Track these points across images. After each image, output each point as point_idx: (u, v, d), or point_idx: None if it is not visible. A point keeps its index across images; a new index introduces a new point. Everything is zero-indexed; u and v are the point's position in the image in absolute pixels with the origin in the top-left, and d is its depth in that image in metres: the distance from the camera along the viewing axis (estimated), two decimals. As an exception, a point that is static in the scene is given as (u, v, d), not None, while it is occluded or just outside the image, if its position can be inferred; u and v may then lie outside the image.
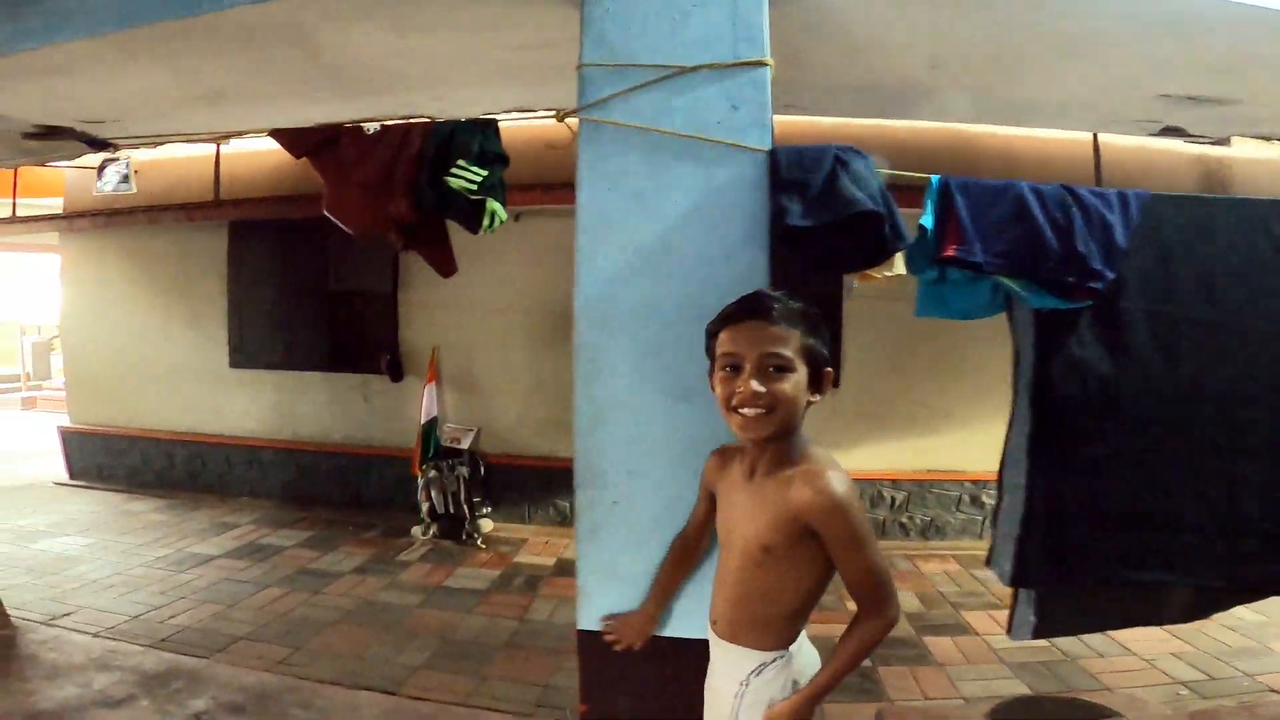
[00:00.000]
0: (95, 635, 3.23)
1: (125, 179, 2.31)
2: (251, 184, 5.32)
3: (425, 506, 4.79)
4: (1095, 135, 4.48)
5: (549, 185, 4.36)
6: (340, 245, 5.26)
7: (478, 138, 2.76)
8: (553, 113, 1.74)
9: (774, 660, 1.28)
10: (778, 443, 1.25)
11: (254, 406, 5.62)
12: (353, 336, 5.38)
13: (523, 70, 2.67)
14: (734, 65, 1.57)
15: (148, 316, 5.84)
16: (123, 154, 2.31)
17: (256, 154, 5.18)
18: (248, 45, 2.44)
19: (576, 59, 1.70)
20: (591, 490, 1.68)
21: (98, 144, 2.23)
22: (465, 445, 4.99)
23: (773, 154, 1.61)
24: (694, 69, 1.61)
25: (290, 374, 5.52)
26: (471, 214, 2.82)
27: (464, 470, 4.79)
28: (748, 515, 1.28)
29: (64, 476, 6.14)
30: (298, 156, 3.09)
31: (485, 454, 5.03)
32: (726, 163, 1.60)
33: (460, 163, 2.71)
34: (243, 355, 5.61)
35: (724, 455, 1.43)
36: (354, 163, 2.97)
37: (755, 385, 1.18)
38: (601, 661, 1.69)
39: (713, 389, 1.29)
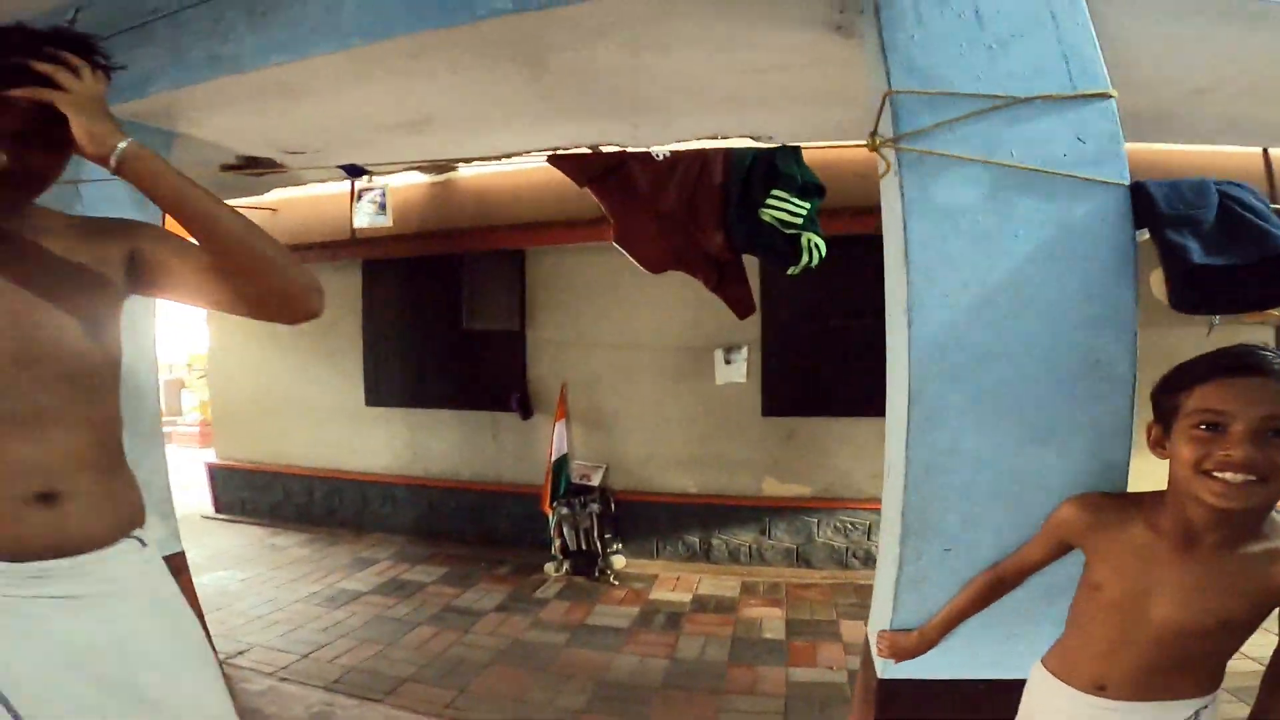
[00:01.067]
0: (270, 675, 3.30)
1: (382, 208, 2.27)
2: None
3: (557, 543, 4.79)
4: (1265, 150, 4.18)
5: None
6: (472, 283, 5.37)
7: (798, 167, 2.56)
8: (861, 143, 1.66)
9: (1211, 699, 1.23)
10: (1251, 514, 1.13)
11: (388, 443, 5.76)
12: (482, 374, 5.44)
13: (763, 93, 2.64)
14: (1074, 97, 1.48)
15: (288, 355, 6.08)
16: (377, 181, 2.27)
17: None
18: (476, 62, 2.43)
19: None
20: (921, 539, 1.62)
21: (354, 171, 2.25)
22: (596, 482, 4.97)
23: (1139, 188, 1.50)
24: (1027, 100, 1.52)
25: (422, 411, 5.63)
26: (786, 249, 2.60)
27: (596, 507, 4.77)
28: (1191, 588, 1.17)
29: (210, 510, 6.43)
30: (581, 185, 2.85)
31: (614, 490, 5.00)
32: (1080, 197, 1.51)
33: (779, 193, 2.52)
34: (377, 393, 5.77)
35: (1099, 509, 1.32)
36: (648, 192, 2.74)
37: (1251, 450, 1.06)
38: (904, 713, 1.64)
39: (1154, 445, 1.21)
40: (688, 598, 4.34)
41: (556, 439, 4.85)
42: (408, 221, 5.35)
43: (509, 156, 3.42)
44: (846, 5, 1.92)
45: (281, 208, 5.71)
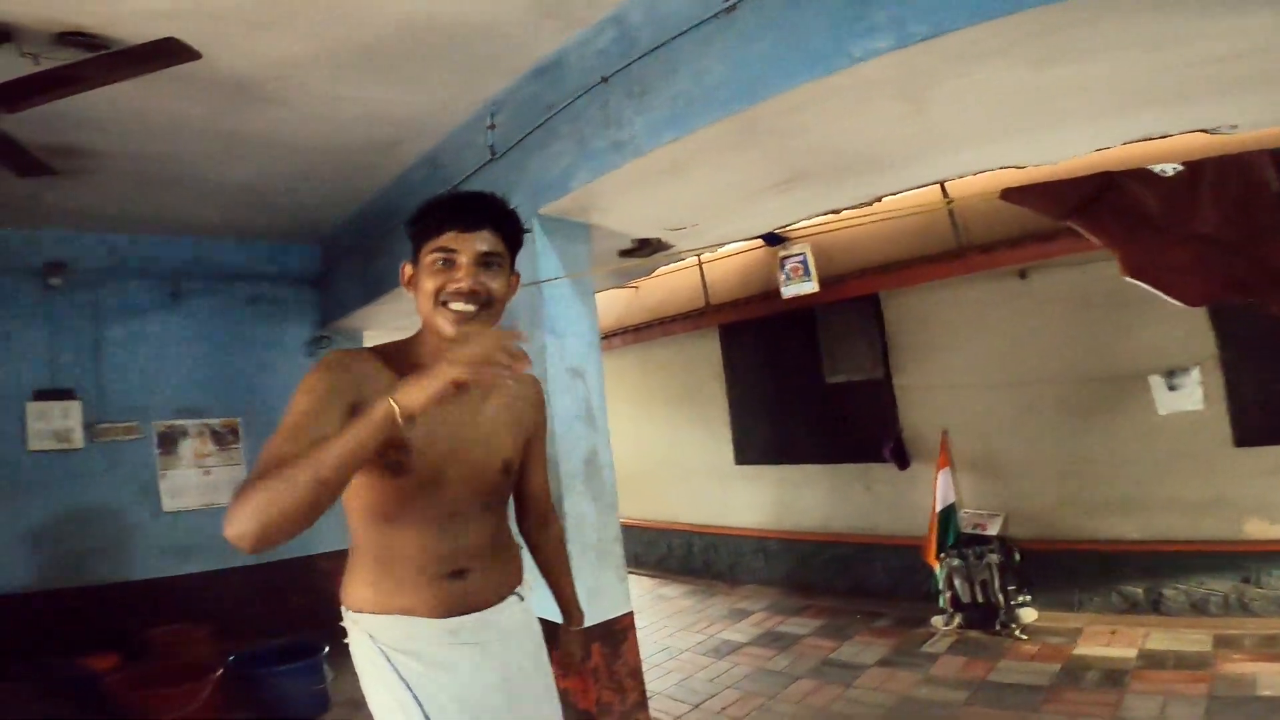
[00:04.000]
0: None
1: (806, 273, 2.36)
2: (730, 287, 5.70)
3: (947, 595, 4.33)
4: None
5: (1048, 235, 3.80)
6: (829, 335, 5.25)
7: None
8: None
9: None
10: None
11: (757, 500, 5.82)
12: (850, 426, 5.25)
13: (1214, 84, 2.31)
14: None
15: (662, 422, 6.56)
16: (797, 246, 2.38)
17: (731, 258, 5.60)
18: (853, 108, 2.34)
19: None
20: None
21: (773, 239, 2.36)
22: (993, 531, 4.38)
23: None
24: None
25: (789, 467, 5.60)
26: None
27: (995, 557, 4.21)
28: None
29: (606, 563, 7.25)
30: (1059, 219, 2.42)
31: (1016, 539, 4.36)
32: None
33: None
34: (744, 452, 5.90)
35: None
36: (1161, 213, 2.25)
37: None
38: None
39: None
40: (1132, 653, 3.54)
41: (941, 488, 4.47)
42: (753, 283, 5.52)
43: (885, 197, 3.38)
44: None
45: (641, 285, 6.40)
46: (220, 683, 3.47)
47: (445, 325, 1.28)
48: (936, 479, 4.47)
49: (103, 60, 2.25)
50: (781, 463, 5.68)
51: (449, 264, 1.29)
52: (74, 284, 4.56)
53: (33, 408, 4.38)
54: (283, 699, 3.63)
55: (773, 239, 2.40)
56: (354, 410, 1.13)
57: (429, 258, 1.30)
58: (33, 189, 3.69)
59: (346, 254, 4.99)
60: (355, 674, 1.39)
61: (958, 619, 4.29)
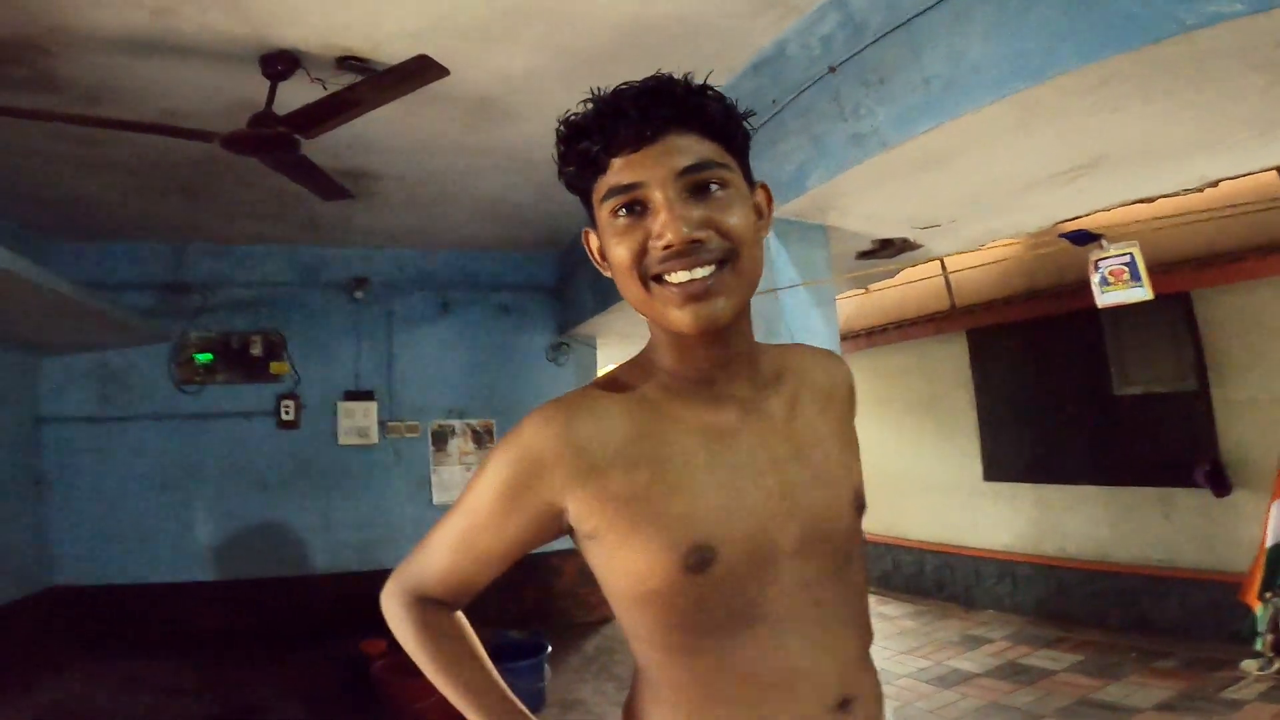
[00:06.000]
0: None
1: (1135, 276, 1.95)
2: (980, 287, 5.14)
3: (1268, 639, 3.64)
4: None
5: None
6: (1120, 340, 4.50)
7: None
8: None
9: None
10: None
11: (1010, 520, 5.17)
12: (1145, 444, 4.44)
13: None
14: None
15: (899, 432, 6.04)
16: (1116, 246, 1.97)
17: (981, 253, 4.84)
18: (1180, 84, 1.94)
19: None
20: None
21: (1082, 238, 2.03)
22: None
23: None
24: None
25: (1055, 487, 4.89)
26: None
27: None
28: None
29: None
30: None
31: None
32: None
33: None
34: (997, 467, 5.28)
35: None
36: None
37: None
38: None
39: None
40: None
41: (1274, 521, 3.72)
42: (1013, 283, 4.93)
43: (1221, 181, 2.87)
44: None
45: (874, 287, 5.98)
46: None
47: (675, 315, 0.75)
48: (1269, 511, 3.70)
49: (372, 81, 2.39)
50: (1044, 481, 4.97)
51: (636, 209, 0.76)
52: (372, 297, 5.21)
53: (343, 407, 5.07)
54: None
55: (1082, 237, 1.99)
56: (545, 520, 0.80)
57: (604, 210, 0.78)
58: (343, 210, 4.21)
59: (582, 262, 5.08)
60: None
61: (1277, 664, 3.58)
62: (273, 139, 2.56)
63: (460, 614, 0.93)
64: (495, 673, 0.92)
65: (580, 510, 0.78)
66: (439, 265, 5.48)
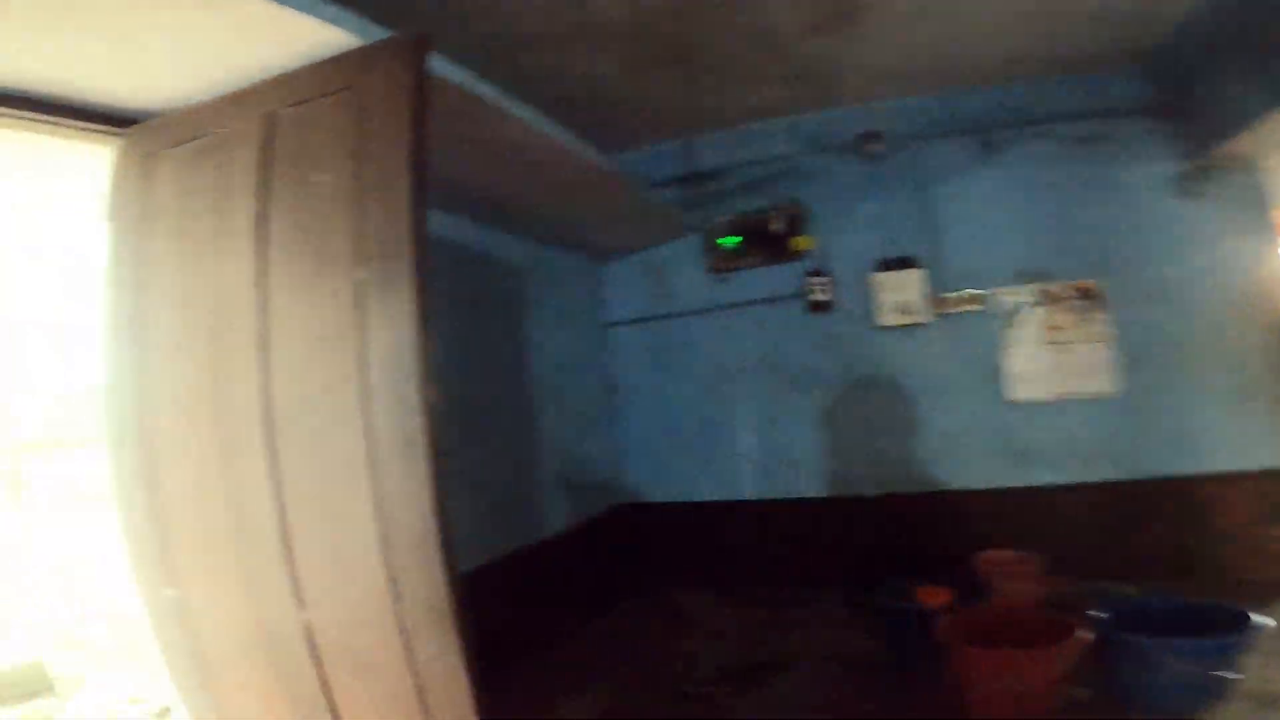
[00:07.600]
0: None
1: None
2: None
3: None
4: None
5: None
6: None
7: None
8: None
9: None
10: None
11: None
12: None
13: None
14: None
15: None
16: None
17: None
18: None
19: None
20: None
21: None
22: None
23: None
24: None
25: None
26: None
27: None
28: None
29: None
30: None
31: None
32: None
33: None
34: None
35: None
36: None
37: None
38: None
39: None
40: None
41: None
42: None
43: None
44: None
45: None
46: (1086, 649, 2.33)
47: None
48: None
49: None
50: None
51: None
52: (888, 153, 4.14)
53: (878, 279, 4.14)
54: (1165, 682, 2.27)
55: None
56: None
57: None
58: (836, 57, 3.55)
59: (1207, 61, 3.43)
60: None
61: None
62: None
63: None
64: None
65: None
66: (968, 103, 4.12)
